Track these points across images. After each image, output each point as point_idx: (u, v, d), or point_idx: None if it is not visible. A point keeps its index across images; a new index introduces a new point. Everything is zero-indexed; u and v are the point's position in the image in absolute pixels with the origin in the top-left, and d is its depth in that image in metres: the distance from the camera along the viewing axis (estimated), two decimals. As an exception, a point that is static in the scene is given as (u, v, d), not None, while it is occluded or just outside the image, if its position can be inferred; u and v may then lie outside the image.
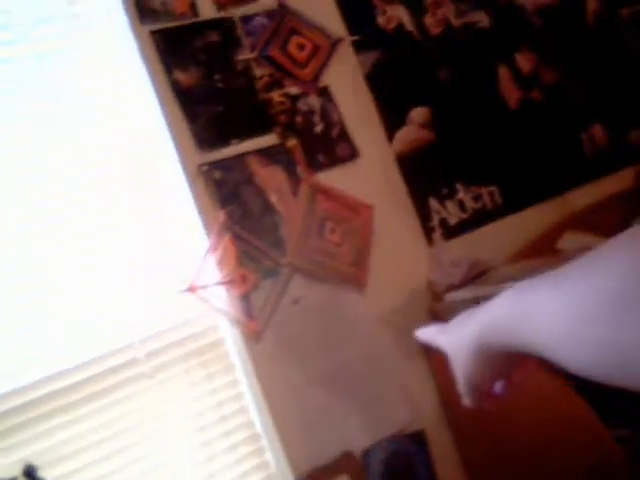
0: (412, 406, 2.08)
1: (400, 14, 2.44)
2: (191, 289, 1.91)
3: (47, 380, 1.79)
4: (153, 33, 2.04)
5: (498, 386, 0.86)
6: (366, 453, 1.97)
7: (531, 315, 0.59)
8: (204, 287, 1.93)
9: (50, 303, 1.84)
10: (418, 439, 2.01)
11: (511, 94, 2.55)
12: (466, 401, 0.88)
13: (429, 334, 0.93)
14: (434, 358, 2.09)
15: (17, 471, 1.52)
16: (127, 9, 2.02)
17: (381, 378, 2.08)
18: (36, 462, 1.55)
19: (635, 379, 0.47)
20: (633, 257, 0.46)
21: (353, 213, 2.17)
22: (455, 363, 0.84)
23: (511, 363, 0.80)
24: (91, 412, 1.82)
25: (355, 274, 2.12)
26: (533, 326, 0.59)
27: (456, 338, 0.82)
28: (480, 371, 0.80)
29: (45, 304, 1.83)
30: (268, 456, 1.96)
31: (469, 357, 0.79)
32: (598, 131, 2.66)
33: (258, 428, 1.97)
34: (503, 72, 2.56)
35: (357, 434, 2.00)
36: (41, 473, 1.53)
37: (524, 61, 2.61)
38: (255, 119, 2.13)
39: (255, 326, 1.97)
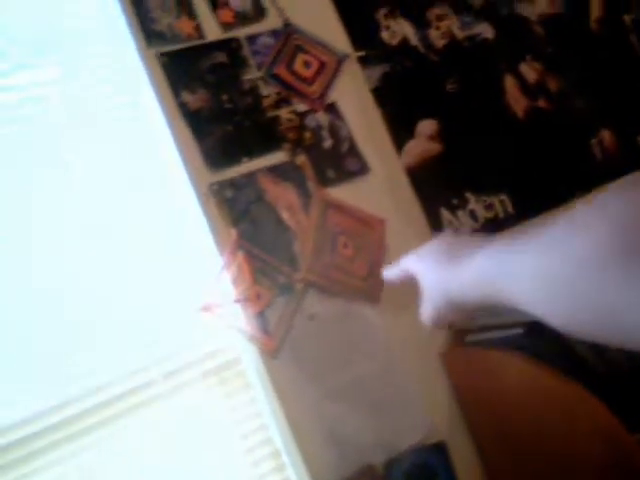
0: (431, 417, 2.07)
1: (404, 28, 2.46)
2: (206, 308, 1.92)
3: (61, 406, 1.76)
4: (160, 56, 2.07)
5: None
6: (388, 465, 1.95)
7: (508, 272, 0.63)
8: (219, 306, 1.94)
9: (64, 327, 1.82)
10: (439, 450, 1.99)
11: (518, 103, 2.56)
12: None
13: (404, 264, 1.01)
14: (453, 369, 2.08)
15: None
16: (133, 33, 2.04)
17: (399, 390, 2.06)
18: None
19: (614, 335, 0.50)
20: (601, 222, 0.49)
21: (365, 227, 2.17)
22: (427, 295, 0.93)
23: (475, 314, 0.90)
24: (108, 436, 1.80)
25: (369, 288, 2.12)
26: (510, 283, 0.63)
27: (435, 278, 0.90)
28: (448, 314, 0.91)
29: (58, 328, 1.82)
30: (289, 472, 1.95)
31: (442, 302, 0.88)
32: (607, 136, 2.66)
33: (278, 444, 1.96)
34: (509, 82, 2.57)
35: (378, 447, 1.99)
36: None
37: (529, 70, 2.62)
38: (264, 137, 2.14)
39: (271, 343, 1.96)
